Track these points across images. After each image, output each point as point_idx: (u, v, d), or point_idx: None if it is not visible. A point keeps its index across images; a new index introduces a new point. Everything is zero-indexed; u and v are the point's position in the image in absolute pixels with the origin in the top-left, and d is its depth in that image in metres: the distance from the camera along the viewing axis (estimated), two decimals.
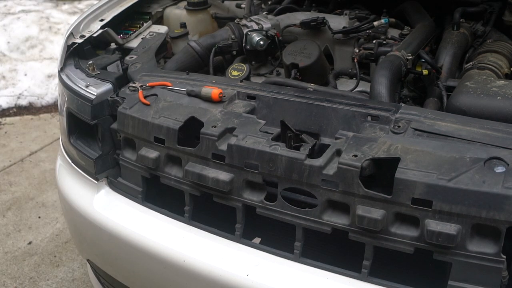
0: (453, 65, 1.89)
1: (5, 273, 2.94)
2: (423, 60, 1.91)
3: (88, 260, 2.09)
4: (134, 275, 1.77)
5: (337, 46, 2.20)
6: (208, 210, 1.63)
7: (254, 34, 2.06)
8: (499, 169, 1.21)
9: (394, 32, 2.11)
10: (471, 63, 1.78)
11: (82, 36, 2.05)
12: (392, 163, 1.29)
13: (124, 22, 2.27)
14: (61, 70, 1.99)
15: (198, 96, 1.68)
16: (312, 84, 1.82)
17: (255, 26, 2.17)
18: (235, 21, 2.21)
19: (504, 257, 1.20)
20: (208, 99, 1.66)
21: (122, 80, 1.89)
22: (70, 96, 1.87)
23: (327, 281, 1.38)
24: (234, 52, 2.13)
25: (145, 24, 2.25)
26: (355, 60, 2.03)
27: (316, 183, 1.36)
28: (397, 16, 2.22)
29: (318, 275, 1.40)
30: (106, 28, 2.10)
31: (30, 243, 3.17)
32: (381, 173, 1.35)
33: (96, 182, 1.84)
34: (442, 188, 1.21)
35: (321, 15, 2.22)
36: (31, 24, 6.22)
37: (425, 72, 1.84)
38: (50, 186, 3.70)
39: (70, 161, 1.97)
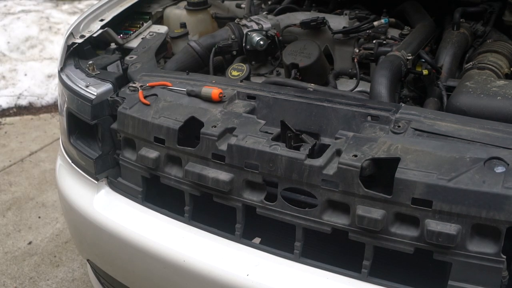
0: (453, 65, 1.89)
1: (5, 273, 2.94)
2: (423, 60, 1.91)
3: (88, 260, 2.09)
4: (134, 275, 1.77)
5: (337, 46, 2.20)
6: (208, 210, 1.63)
7: (254, 34, 2.06)
8: (499, 169, 1.21)
9: (394, 32, 2.11)
10: (471, 63, 1.78)
11: (82, 36, 2.05)
12: (392, 163, 1.29)
13: (124, 22, 2.27)
14: (61, 70, 2.00)
15: (198, 96, 1.68)
16: (312, 84, 1.82)
17: (255, 26, 2.17)
18: (235, 21, 2.21)
19: (504, 257, 1.20)
20: (208, 99, 1.66)
21: (122, 80, 1.89)
22: (70, 96, 1.87)
23: (327, 281, 1.38)
24: (234, 52, 2.13)
25: (145, 24, 2.25)
26: (355, 60, 2.03)
27: (316, 183, 1.36)
28: (397, 16, 2.23)
29: (318, 275, 1.40)
30: (106, 28, 2.10)
31: (30, 243, 3.17)
32: (381, 173, 1.35)
33: (96, 182, 1.84)
34: (442, 188, 1.21)
35: (321, 15, 2.22)
36: (31, 24, 6.22)
37: (425, 72, 1.84)
38: (50, 186, 3.70)
39: (70, 161, 1.97)
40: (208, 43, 2.09)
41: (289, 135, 1.43)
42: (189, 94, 1.70)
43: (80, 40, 2.03)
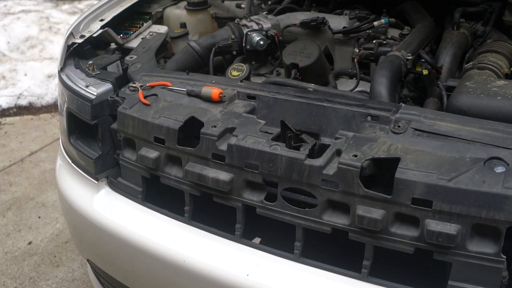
0: (453, 65, 1.89)
1: (5, 273, 2.94)
2: (423, 60, 1.91)
3: (88, 260, 2.09)
4: (134, 275, 1.77)
5: (337, 46, 2.20)
6: (208, 210, 1.63)
7: (254, 34, 2.06)
8: (499, 169, 1.21)
9: (394, 32, 2.11)
10: (471, 63, 1.78)
11: (82, 36, 2.05)
12: (392, 163, 1.29)
13: (124, 22, 2.27)
14: (61, 70, 2.00)
15: (198, 96, 1.68)
16: (312, 84, 1.82)
17: (255, 26, 2.17)
18: (235, 21, 2.21)
19: (504, 257, 1.20)
20: (208, 99, 1.66)
21: (122, 80, 1.89)
22: (70, 96, 1.87)
23: (327, 281, 1.38)
24: (234, 52, 2.13)
25: (145, 24, 2.25)
26: (355, 60, 2.03)
27: (316, 183, 1.36)
28: (397, 16, 2.23)
29: (318, 275, 1.40)
30: (106, 28, 2.10)
31: (30, 243, 3.17)
32: (381, 173, 1.35)
33: (96, 182, 1.84)
34: (442, 188, 1.21)
35: (321, 15, 2.22)
36: (31, 24, 6.22)
37: (425, 72, 1.84)
38: (50, 186, 3.70)
39: (70, 161, 1.97)
40: (208, 43, 2.09)
41: (289, 135, 1.43)
42: (189, 94, 1.70)
43: (80, 40, 2.03)
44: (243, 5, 2.57)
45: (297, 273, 1.42)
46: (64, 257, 3.03)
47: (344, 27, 2.17)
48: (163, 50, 2.19)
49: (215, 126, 1.52)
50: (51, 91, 5.17)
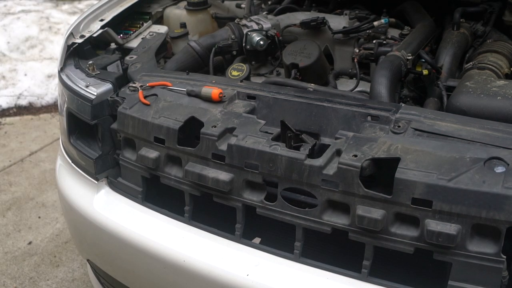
0: (453, 65, 1.89)
1: (5, 273, 2.94)
2: (423, 60, 1.91)
3: (88, 260, 2.09)
4: (134, 275, 1.77)
5: (337, 46, 2.20)
6: (208, 210, 1.63)
7: (254, 34, 2.06)
8: (499, 169, 1.21)
9: (394, 32, 2.11)
10: (471, 63, 1.78)
11: (82, 36, 2.05)
12: (392, 163, 1.29)
13: (124, 22, 2.27)
14: (61, 70, 2.00)
15: (198, 96, 1.68)
16: (312, 84, 1.82)
17: (255, 26, 2.17)
18: (235, 21, 2.21)
19: (504, 257, 1.20)
20: (208, 99, 1.66)
21: (122, 80, 1.89)
22: (70, 96, 1.87)
23: (327, 281, 1.38)
24: (234, 52, 2.13)
25: (145, 24, 2.25)
26: (355, 60, 2.03)
27: (316, 183, 1.36)
28: (397, 16, 2.23)
29: (318, 275, 1.40)
30: (106, 28, 2.10)
31: (30, 243, 3.17)
32: (381, 173, 1.35)
33: (96, 182, 1.84)
34: (442, 188, 1.21)
35: (321, 15, 2.22)
36: (31, 24, 6.22)
37: (425, 72, 1.84)
38: (50, 186, 3.70)
39: (70, 161, 1.97)
40: (208, 43, 2.09)
41: (289, 135, 1.43)
42: (189, 94, 1.70)
43: (80, 40, 2.03)
44: (243, 5, 2.57)
45: (297, 273, 1.42)
46: (64, 257, 3.03)
47: (344, 27, 2.17)
48: (163, 50, 2.19)
49: (215, 126, 1.52)
50: (51, 91, 5.17)
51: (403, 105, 1.53)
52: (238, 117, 1.56)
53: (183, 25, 2.30)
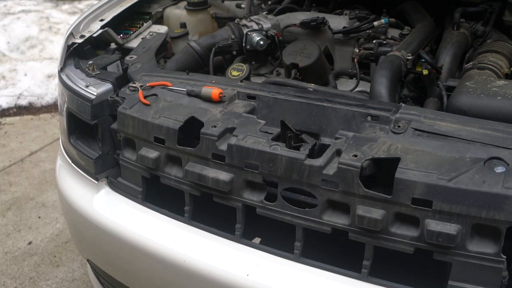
0: (453, 65, 1.89)
1: (5, 273, 2.94)
2: (423, 60, 1.91)
3: (88, 260, 2.09)
4: (134, 275, 1.77)
5: (337, 46, 2.20)
6: (208, 210, 1.63)
7: (254, 34, 2.06)
8: (499, 169, 1.21)
9: (394, 32, 2.11)
10: (471, 63, 1.78)
11: (82, 36, 2.05)
12: (392, 163, 1.29)
13: (124, 22, 2.27)
14: (61, 70, 2.00)
15: (198, 96, 1.68)
16: (312, 84, 1.82)
17: (255, 26, 2.17)
18: (235, 21, 2.21)
19: (504, 257, 1.20)
20: (208, 99, 1.66)
21: (122, 80, 1.89)
22: (70, 96, 1.87)
23: (327, 281, 1.38)
24: (234, 52, 2.13)
25: (145, 24, 2.25)
26: (355, 60, 2.03)
27: (316, 183, 1.36)
28: (397, 16, 2.23)
29: (318, 275, 1.40)
30: (106, 28, 2.10)
31: (30, 243, 3.17)
32: (381, 173, 1.35)
33: (96, 182, 1.84)
34: (442, 188, 1.21)
35: (321, 15, 2.22)
36: (31, 24, 6.22)
37: (425, 72, 1.84)
38: (50, 186, 3.70)
39: (70, 161, 1.97)
40: (208, 43, 2.09)
41: (289, 135, 1.43)
42: (189, 94, 1.70)
43: (80, 40, 2.03)
44: (243, 5, 2.57)
45: (297, 273, 1.42)
46: (64, 257, 3.03)
47: (344, 27, 2.17)
48: (163, 50, 2.19)
49: (215, 126, 1.52)
50: (51, 91, 5.17)
51: (403, 105, 1.53)
52: (238, 117, 1.56)
53: (183, 25, 2.30)
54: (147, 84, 1.78)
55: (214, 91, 1.64)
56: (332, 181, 1.34)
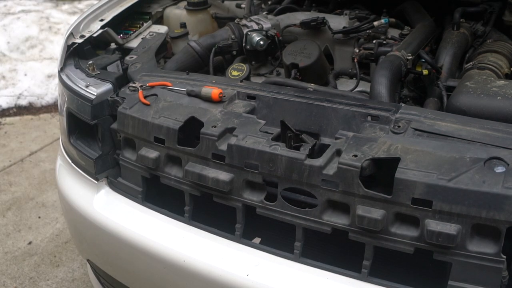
0: (453, 65, 1.89)
1: (5, 273, 2.94)
2: (423, 60, 1.91)
3: (88, 260, 2.09)
4: (134, 275, 1.77)
5: (337, 46, 2.20)
6: (208, 210, 1.63)
7: (254, 34, 2.06)
8: (499, 169, 1.21)
9: (394, 32, 2.11)
10: (471, 63, 1.78)
11: (82, 36, 2.05)
12: (392, 163, 1.29)
13: (124, 22, 2.27)
14: (61, 70, 2.00)
15: (198, 96, 1.68)
16: (312, 84, 1.82)
17: (255, 26, 2.17)
18: (235, 21, 2.21)
19: (504, 257, 1.20)
20: (208, 99, 1.66)
21: (122, 80, 1.89)
22: (70, 96, 1.87)
23: (327, 281, 1.38)
24: (234, 52, 2.13)
25: (145, 24, 2.25)
26: (355, 60, 2.03)
27: (316, 183, 1.36)
28: (397, 16, 2.23)
29: (318, 275, 1.40)
30: (106, 28, 2.10)
31: (30, 243, 3.17)
32: (381, 173, 1.35)
33: (96, 182, 1.84)
34: (442, 188, 1.21)
35: (321, 15, 2.22)
36: (31, 24, 6.22)
37: (425, 72, 1.84)
38: (50, 186, 3.70)
39: (70, 161, 1.97)
40: (208, 43, 2.09)
41: (289, 135, 1.43)
42: (189, 94, 1.70)
43: (80, 40, 2.03)
44: (243, 5, 2.57)
45: (297, 273, 1.42)
46: (64, 257, 3.03)
47: (344, 27, 2.17)
48: (163, 50, 2.19)
49: (215, 126, 1.52)
50: (51, 91, 5.17)
51: (403, 105, 1.53)
52: (238, 117, 1.56)
53: (183, 25, 2.30)
54: (147, 84, 1.78)
55: (214, 91, 1.64)
56: (332, 181, 1.34)
